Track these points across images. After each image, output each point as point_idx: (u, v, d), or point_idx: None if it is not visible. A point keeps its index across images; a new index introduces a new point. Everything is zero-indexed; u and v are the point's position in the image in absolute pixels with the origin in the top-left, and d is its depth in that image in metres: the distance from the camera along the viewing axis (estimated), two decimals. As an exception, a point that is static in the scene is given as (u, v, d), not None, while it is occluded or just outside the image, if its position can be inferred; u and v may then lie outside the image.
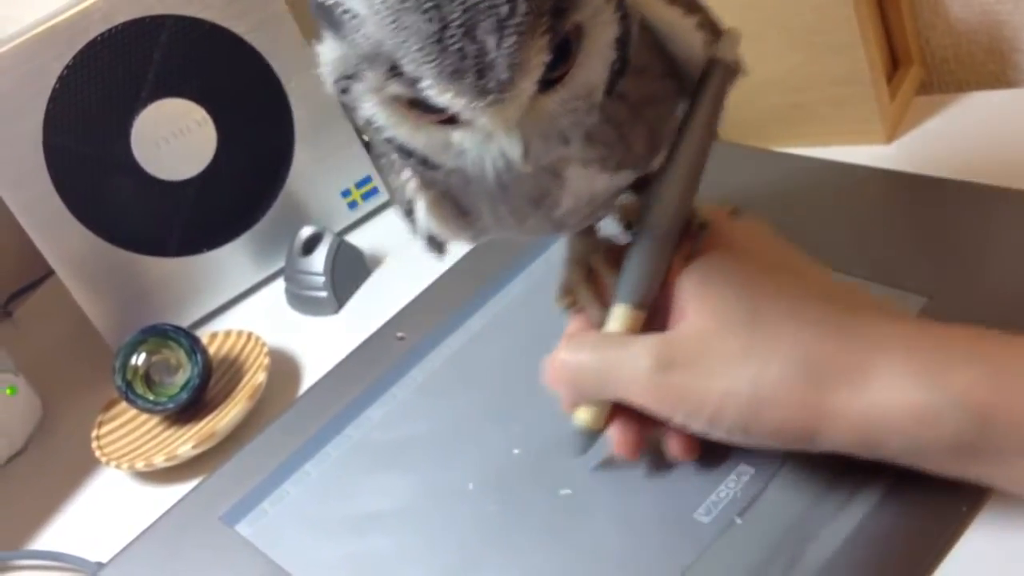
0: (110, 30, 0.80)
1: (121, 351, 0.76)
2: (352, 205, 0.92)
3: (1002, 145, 0.71)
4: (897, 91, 0.77)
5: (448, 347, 0.70)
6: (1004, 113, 0.74)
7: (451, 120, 0.42)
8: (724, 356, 0.48)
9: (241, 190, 0.88)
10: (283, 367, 0.79)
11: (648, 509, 0.54)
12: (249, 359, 0.79)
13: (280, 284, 0.88)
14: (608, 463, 0.57)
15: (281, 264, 0.88)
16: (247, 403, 0.74)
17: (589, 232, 0.58)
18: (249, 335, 0.81)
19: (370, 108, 0.44)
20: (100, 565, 0.67)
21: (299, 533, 0.62)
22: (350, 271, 0.85)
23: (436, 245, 0.55)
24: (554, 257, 0.74)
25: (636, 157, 0.50)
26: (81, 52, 0.79)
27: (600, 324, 0.53)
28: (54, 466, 0.81)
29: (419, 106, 0.42)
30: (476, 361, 0.69)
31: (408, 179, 0.50)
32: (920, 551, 0.47)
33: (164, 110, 0.83)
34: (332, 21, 0.42)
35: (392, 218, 0.92)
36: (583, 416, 0.54)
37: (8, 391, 0.83)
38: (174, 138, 0.84)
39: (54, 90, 0.79)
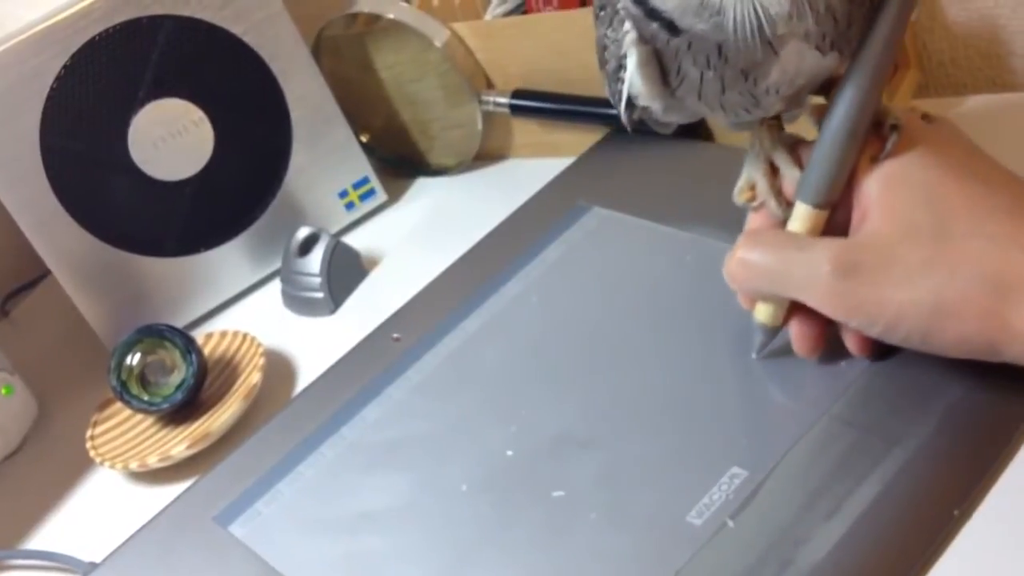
0: (108, 30, 0.80)
1: (116, 351, 0.76)
2: (349, 206, 0.92)
3: (998, 148, 0.70)
4: (894, 94, 0.77)
5: (444, 348, 0.70)
6: (1001, 116, 0.74)
7: None
8: (907, 265, 0.48)
9: (238, 191, 0.88)
10: (279, 368, 0.79)
11: (640, 511, 0.54)
12: (244, 360, 0.79)
13: (276, 285, 0.88)
14: (777, 354, 0.57)
15: (277, 265, 0.88)
16: (242, 404, 0.74)
17: (775, 126, 0.57)
18: (244, 336, 0.80)
19: None
20: (93, 565, 0.66)
21: (293, 534, 0.62)
22: (346, 272, 0.85)
23: (631, 113, 0.55)
24: (551, 257, 0.74)
25: (852, 37, 0.49)
26: (78, 52, 0.79)
27: (781, 221, 0.54)
28: (49, 466, 0.81)
29: None
30: (471, 362, 0.68)
31: (627, 32, 0.51)
32: (911, 555, 0.47)
33: (161, 110, 0.83)
34: None
35: (390, 219, 0.92)
36: (762, 312, 0.55)
37: (4, 391, 0.83)
38: (171, 138, 0.84)
39: (51, 90, 0.79)
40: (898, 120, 0.51)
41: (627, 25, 0.51)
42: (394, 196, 0.94)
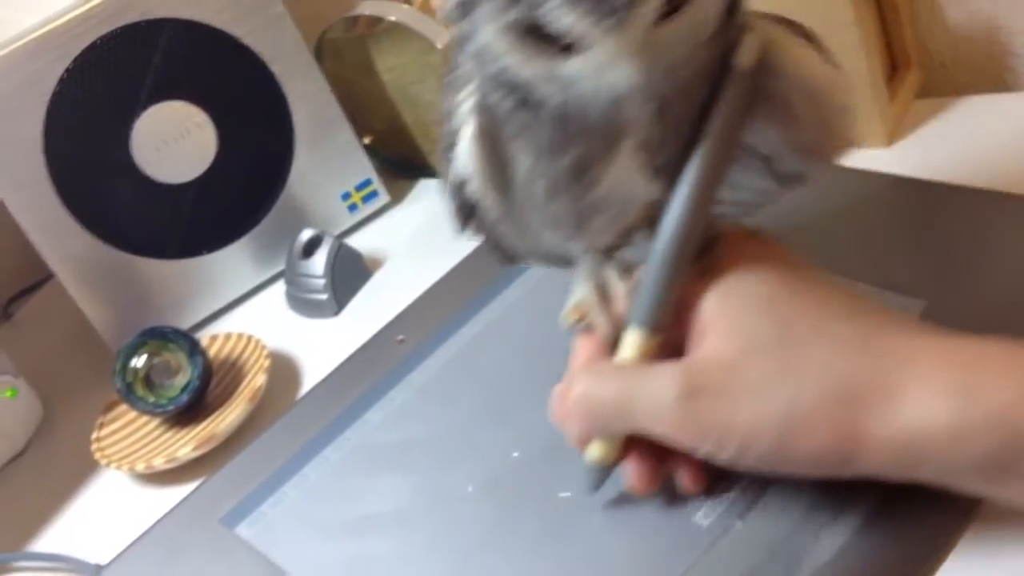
0: (110, 33, 0.80)
1: (122, 353, 0.76)
2: (352, 208, 0.92)
3: (1000, 149, 0.71)
4: (896, 95, 0.77)
5: (448, 350, 0.70)
6: (1002, 117, 0.74)
7: (567, 48, 0.42)
8: (754, 381, 0.46)
9: (241, 193, 0.88)
10: (283, 370, 0.80)
11: (648, 512, 0.54)
12: (249, 361, 0.79)
13: (280, 287, 0.88)
14: (620, 501, 0.55)
15: (281, 267, 0.89)
16: (247, 405, 0.74)
17: (605, 251, 0.55)
18: (249, 338, 0.81)
19: (487, 36, 0.44)
20: (99, 567, 0.67)
21: (299, 535, 0.62)
22: (350, 274, 0.85)
23: (462, 206, 0.52)
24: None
25: (674, 156, 0.48)
26: (81, 55, 0.79)
27: (611, 344, 0.52)
28: (54, 468, 0.81)
29: (536, 33, 0.42)
30: (476, 364, 0.69)
31: (465, 97, 0.49)
32: (919, 555, 0.47)
33: (164, 113, 0.83)
34: None
35: (392, 221, 0.92)
36: (595, 451, 0.52)
37: (9, 393, 0.83)
38: (174, 141, 0.84)
39: (54, 93, 0.79)
40: (719, 232, 0.50)
41: (471, 87, 0.48)
42: (397, 198, 0.94)
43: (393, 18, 0.88)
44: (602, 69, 0.43)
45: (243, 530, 0.63)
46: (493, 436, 0.62)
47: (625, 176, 0.48)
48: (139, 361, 0.76)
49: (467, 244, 0.79)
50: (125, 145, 0.83)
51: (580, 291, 0.55)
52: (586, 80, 0.43)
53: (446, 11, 0.45)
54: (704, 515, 0.52)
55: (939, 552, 0.47)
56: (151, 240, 0.86)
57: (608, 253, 0.55)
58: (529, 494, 0.58)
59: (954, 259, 0.62)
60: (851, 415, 0.44)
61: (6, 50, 0.77)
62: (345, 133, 0.90)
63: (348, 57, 0.92)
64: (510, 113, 0.47)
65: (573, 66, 0.43)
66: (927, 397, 0.43)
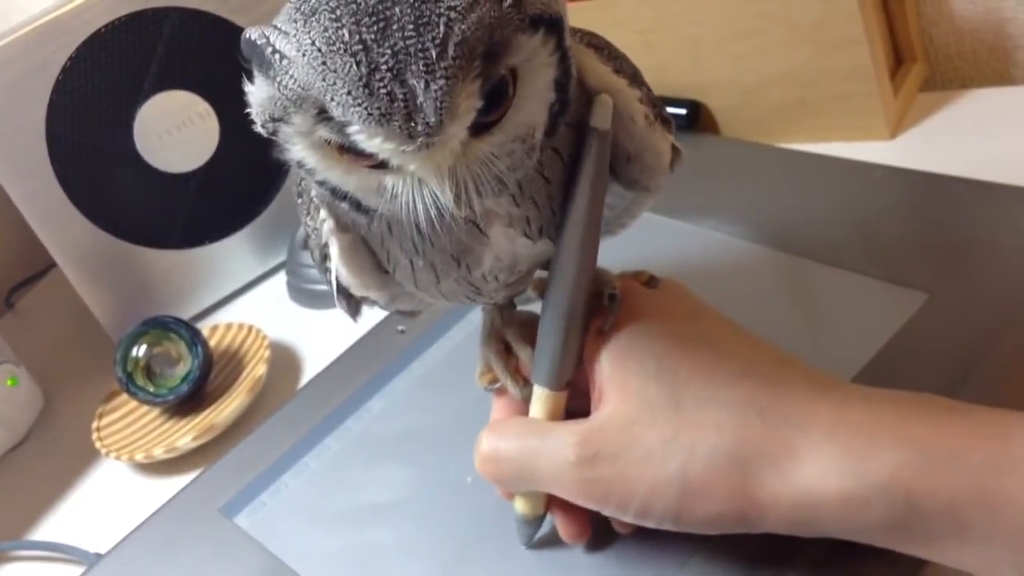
0: (114, 22, 0.80)
1: (122, 343, 0.76)
2: (354, 199, 0.92)
3: (1004, 142, 0.71)
4: (901, 87, 0.77)
5: (449, 340, 0.70)
6: (1007, 110, 0.74)
7: (382, 165, 0.41)
8: (648, 446, 0.46)
9: (243, 183, 0.88)
10: (284, 360, 0.79)
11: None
12: (250, 352, 0.79)
13: (282, 277, 0.88)
14: (548, 544, 0.54)
15: (283, 257, 0.88)
16: (247, 396, 0.74)
17: (505, 305, 0.55)
18: (250, 328, 0.81)
19: (300, 151, 0.43)
20: (99, 556, 0.67)
21: (298, 525, 0.62)
22: (352, 265, 0.85)
23: (350, 302, 0.52)
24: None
25: (555, 224, 0.47)
26: (84, 44, 0.79)
27: (523, 401, 0.52)
28: (54, 457, 0.81)
29: (349, 150, 0.41)
30: (476, 354, 0.68)
31: (323, 220, 0.48)
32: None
33: (167, 102, 0.83)
34: (262, 62, 0.40)
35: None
36: (521, 505, 0.53)
37: (9, 382, 0.83)
38: (177, 130, 0.84)
39: (57, 81, 0.79)
40: (616, 290, 0.49)
41: (323, 213, 0.48)
42: (399, 189, 0.94)
43: (397, 9, 0.88)
44: (417, 185, 0.41)
45: (242, 520, 0.63)
46: (493, 427, 0.62)
47: (506, 246, 0.47)
48: (140, 351, 0.76)
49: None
50: (128, 134, 0.83)
51: (485, 350, 0.54)
52: (405, 194, 0.41)
53: (257, 127, 0.43)
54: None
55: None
56: (153, 230, 0.86)
57: (506, 306, 0.55)
58: (528, 485, 0.58)
59: (957, 252, 0.62)
60: (744, 478, 0.44)
61: (10, 38, 0.77)
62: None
63: (351, 48, 0.92)
64: (370, 226, 0.46)
65: (389, 181, 0.42)
66: (818, 463, 0.43)
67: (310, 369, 0.78)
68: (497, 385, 0.54)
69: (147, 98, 0.82)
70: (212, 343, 0.80)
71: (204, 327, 0.81)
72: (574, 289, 0.48)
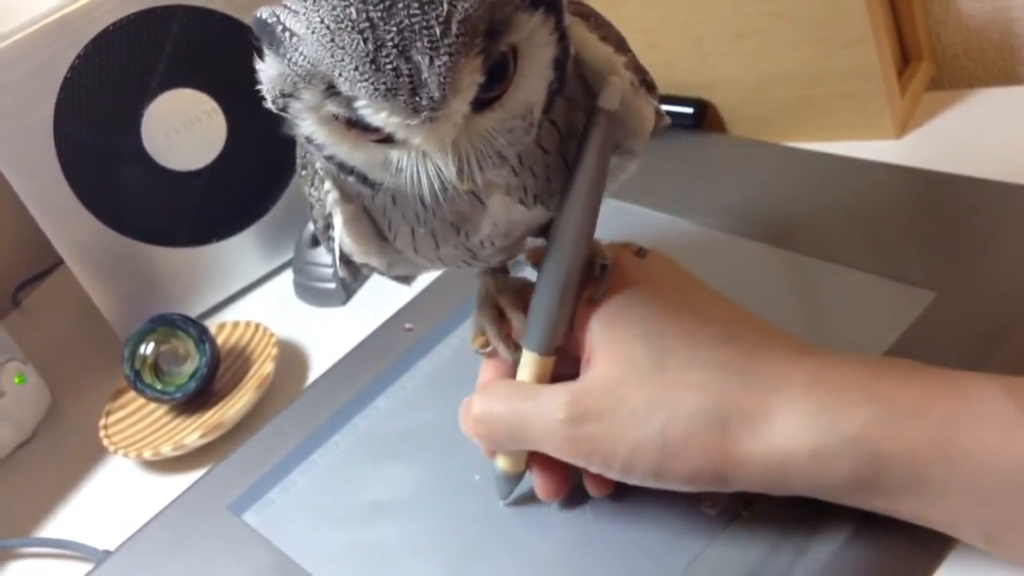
0: (122, 20, 0.80)
1: (130, 340, 0.76)
2: (361, 197, 0.92)
3: (1011, 141, 0.70)
4: (907, 86, 0.77)
5: (456, 338, 0.70)
6: (1014, 109, 0.74)
7: (388, 139, 0.43)
8: (632, 405, 0.48)
9: (250, 181, 0.88)
10: (291, 358, 0.80)
11: (653, 501, 0.54)
12: (257, 349, 0.79)
13: (288, 275, 0.88)
14: (525, 501, 0.57)
15: (290, 255, 0.89)
16: (255, 393, 0.74)
17: (499, 271, 0.57)
18: (257, 326, 0.81)
19: (309, 126, 0.45)
20: (107, 553, 0.67)
21: (306, 522, 0.62)
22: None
23: (350, 269, 0.54)
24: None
25: (552, 191, 0.50)
26: (92, 41, 0.79)
27: (513, 365, 0.53)
28: (62, 454, 0.81)
29: (356, 125, 0.43)
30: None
31: (328, 191, 0.50)
32: (929, 542, 0.47)
33: (175, 100, 0.83)
34: (271, 39, 0.42)
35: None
36: (503, 462, 0.55)
37: (17, 380, 0.83)
38: (184, 128, 0.84)
39: (65, 79, 0.79)
40: (607, 260, 0.51)
41: (327, 184, 0.50)
42: (406, 187, 0.94)
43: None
44: (422, 159, 0.43)
45: (250, 517, 0.64)
46: (501, 425, 0.62)
47: (502, 214, 0.49)
48: (147, 348, 0.76)
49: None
50: (136, 132, 0.83)
51: (479, 315, 0.56)
52: (409, 168, 0.44)
53: (268, 103, 0.45)
54: (710, 504, 0.52)
55: (948, 537, 0.47)
56: (160, 228, 0.86)
57: (500, 272, 0.57)
58: (536, 483, 0.58)
59: (964, 251, 0.62)
60: (720, 437, 0.47)
61: (18, 36, 0.77)
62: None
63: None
64: (373, 197, 0.49)
65: (394, 155, 0.44)
66: (791, 421, 0.46)
67: (317, 367, 0.78)
68: (488, 349, 0.55)
69: (155, 96, 0.82)
70: (219, 341, 0.80)
71: (211, 325, 0.81)
72: (572, 258, 0.50)
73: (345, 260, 0.53)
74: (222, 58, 0.84)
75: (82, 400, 0.85)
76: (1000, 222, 0.63)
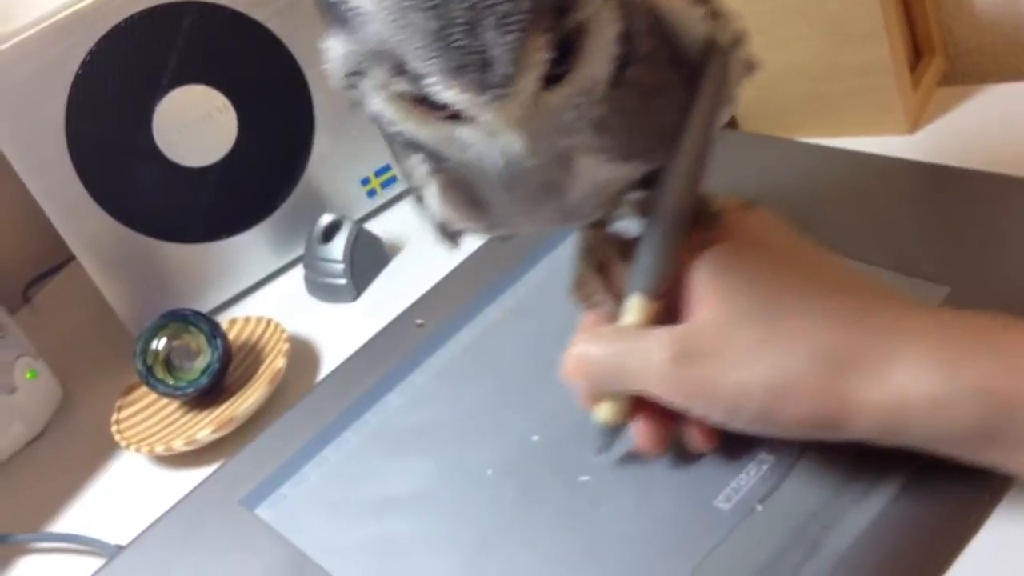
0: (132, 16, 0.80)
1: (142, 336, 0.77)
2: (371, 193, 0.92)
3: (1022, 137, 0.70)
4: (920, 81, 0.77)
5: (467, 334, 0.70)
6: (1026, 105, 0.74)
7: (456, 116, 0.43)
8: (742, 347, 0.48)
9: (261, 177, 0.88)
10: (302, 354, 0.80)
11: (667, 496, 0.54)
12: (268, 345, 0.79)
13: (299, 271, 0.88)
14: (629, 458, 0.56)
15: (300, 251, 0.89)
16: (266, 388, 0.74)
17: (600, 224, 0.57)
18: (269, 321, 0.81)
19: (377, 104, 0.45)
20: (119, 548, 0.67)
21: (318, 517, 0.62)
22: (369, 259, 0.85)
23: (449, 235, 0.55)
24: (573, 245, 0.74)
25: (643, 147, 0.50)
26: (104, 38, 0.79)
27: (614, 317, 0.53)
28: (74, 449, 0.81)
29: (424, 102, 0.43)
30: (495, 348, 0.69)
31: (418, 164, 0.50)
32: (941, 540, 0.47)
33: (186, 97, 0.83)
34: (339, 18, 0.42)
35: (412, 206, 0.92)
36: (604, 411, 0.54)
37: (28, 375, 0.83)
38: (195, 125, 0.84)
39: (76, 76, 0.79)
40: (717, 209, 0.52)
41: (415, 158, 0.50)
42: (416, 183, 0.94)
43: (414, 3, 0.88)
44: (491, 136, 0.43)
45: (263, 511, 0.64)
46: (513, 420, 0.62)
47: (590, 175, 0.49)
48: (159, 343, 0.76)
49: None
50: (147, 128, 0.83)
51: (581, 266, 0.57)
52: (479, 144, 0.44)
53: (335, 82, 0.45)
54: (724, 499, 0.52)
55: (963, 534, 0.47)
56: (172, 224, 0.86)
57: (601, 225, 0.57)
58: (548, 478, 0.58)
59: (977, 246, 0.62)
60: (837, 381, 0.46)
61: (29, 32, 0.77)
62: (365, 118, 0.90)
63: (369, 42, 0.92)
64: (453, 166, 0.48)
65: (464, 132, 0.44)
66: (910, 369, 0.45)
67: (328, 363, 0.78)
68: (590, 300, 0.56)
69: (166, 92, 0.82)
70: (231, 336, 0.80)
71: (223, 320, 0.81)
72: (684, 201, 0.51)
73: (442, 229, 0.54)
74: (233, 54, 0.84)
75: (94, 395, 0.85)
76: (1013, 216, 0.63)
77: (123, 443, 0.75)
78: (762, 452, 0.54)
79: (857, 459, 0.51)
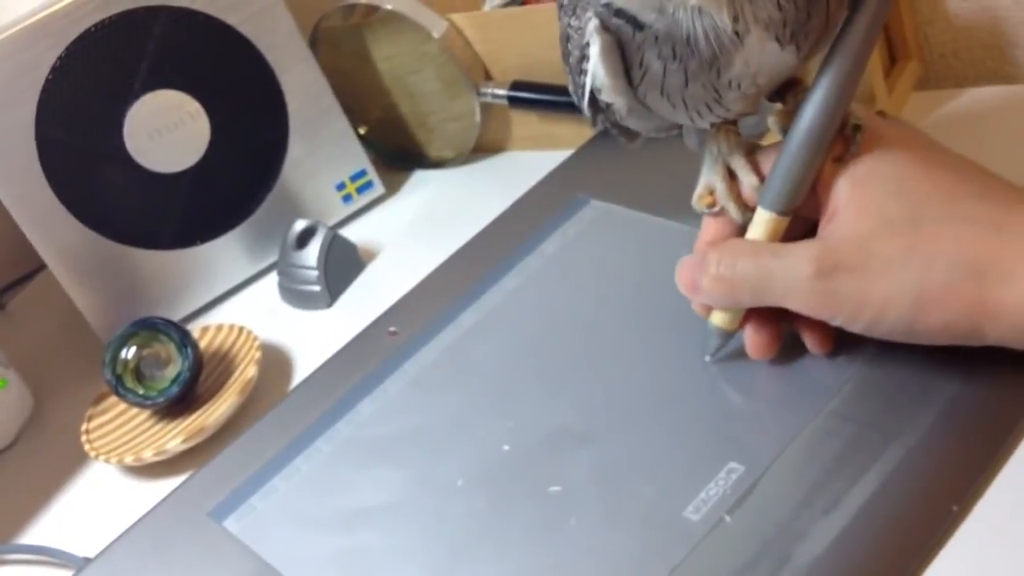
0: (103, 21, 0.79)
1: (111, 345, 0.76)
2: (347, 199, 0.91)
3: (1000, 141, 0.70)
4: (895, 86, 0.76)
5: (440, 342, 0.70)
6: (1002, 109, 0.74)
7: None
8: (885, 258, 0.49)
9: (235, 183, 0.87)
10: (275, 361, 0.79)
11: (637, 506, 0.53)
12: (240, 353, 0.78)
13: (273, 278, 0.88)
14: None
15: (274, 258, 0.88)
16: (238, 397, 0.73)
17: (732, 131, 0.57)
18: (240, 329, 0.80)
19: None
20: (87, 560, 0.66)
21: (288, 529, 0.61)
22: (343, 265, 0.84)
23: (594, 109, 0.56)
24: (549, 250, 0.73)
25: (808, 32, 0.50)
26: (74, 43, 0.79)
27: (740, 225, 0.55)
28: (44, 460, 0.80)
29: None
30: (468, 357, 0.68)
31: (589, 19, 0.51)
32: (909, 550, 0.47)
33: (157, 102, 0.82)
34: None
35: (387, 212, 0.92)
36: (719, 318, 0.56)
37: (-1, 384, 0.82)
38: (167, 130, 0.83)
39: (47, 81, 0.79)
40: (860, 120, 0.52)
41: (590, 12, 0.51)
42: (392, 189, 0.93)
43: (390, 7, 0.87)
44: (696, 9, 0.47)
45: (232, 524, 0.63)
46: (485, 429, 0.62)
47: (757, 50, 0.50)
48: (129, 352, 0.76)
49: (461, 236, 0.78)
50: (118, 134, 0.82)
51: (709, 173, 0.57)
52: (684, 15, 0.47)
53: None
54: (694, 510, 0.52)
55: (929, 547, 0.47)
56: (143, 230, 0.85)
57: (732, 127, 0.57)
58: (520, 488, 0.57)
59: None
60: (979, 288, 0.47)
61: (-2, 37, 0.77)
62: (340, 123, 0.89)
63: (344, 46, 0.92)
64: (634, 35, 0.50)
65: (671, 3, 0.47)
66: None
67: (301, 371, 0.77)
68: (716, 209, 0.56)
69: (137, 98, 0.82)
70: (202, 344, 0.79)
71: (194, 328, 0.80)
72: (832, 114, 0.51)
73: (591, 100, 0.55)
74: (205, 59, 0.83)
75: (64, 405, 0.84)
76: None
77: (93, 453, 0.74)
78: (731, 461, 0.53)
79: (826, 468, 0.51)
